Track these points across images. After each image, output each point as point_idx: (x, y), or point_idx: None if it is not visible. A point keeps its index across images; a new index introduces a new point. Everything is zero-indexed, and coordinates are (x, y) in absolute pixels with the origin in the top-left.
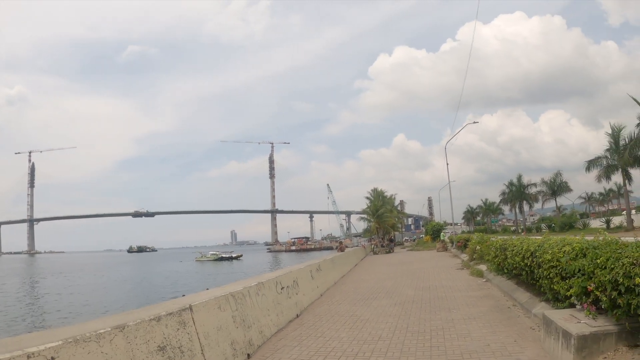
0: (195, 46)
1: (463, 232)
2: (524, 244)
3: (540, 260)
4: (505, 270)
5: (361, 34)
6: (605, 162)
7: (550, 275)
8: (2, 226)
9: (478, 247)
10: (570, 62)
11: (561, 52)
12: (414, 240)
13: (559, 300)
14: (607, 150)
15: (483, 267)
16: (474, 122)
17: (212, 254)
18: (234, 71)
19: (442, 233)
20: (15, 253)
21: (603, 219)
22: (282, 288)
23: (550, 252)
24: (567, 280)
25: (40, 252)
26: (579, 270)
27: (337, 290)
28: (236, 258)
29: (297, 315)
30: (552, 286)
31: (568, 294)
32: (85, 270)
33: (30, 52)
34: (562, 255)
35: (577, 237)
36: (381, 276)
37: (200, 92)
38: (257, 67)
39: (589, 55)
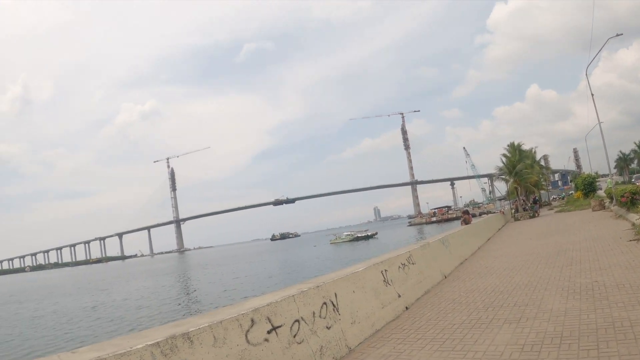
0: (308, 32)
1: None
2: None
3: None
4: None
5: None
6: None
7: None
8: (151, 229)
9: None
10: None
11: None
12: (563, 198)
13: None
14: None
15: None
16: (617, 35)
17: (347, 235)
18: (350, 49)
19: (608, 180)
20: (166, 252)
21: None
22: (272, 330)
23: None
24: None
25: (189, 249)
26: None
27: (436, 298)
28: (372, 236)
29: None
30: None
31: None
32: (213, 265)
33: (152, 68)
34: None
35: None
36: (513, 261)
37: (321, 76)
38: (372, 40)
39: None
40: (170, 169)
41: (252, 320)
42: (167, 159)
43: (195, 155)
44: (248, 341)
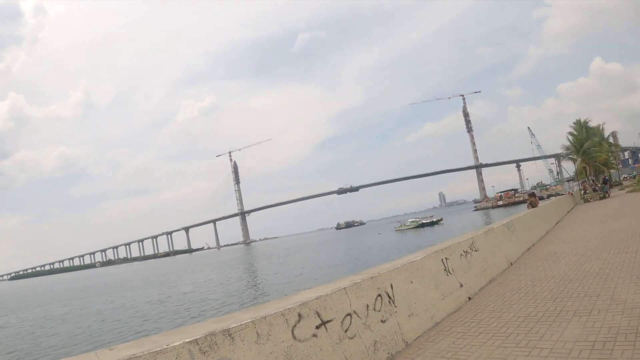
0: (361, 19)
1: None
2: None
3: None
4: None
5: None
6: None
7: None
8: (217, 222)
9: None
10: None
11: None
12: (634, 177)
13: None
14: None
15: None
16: None
17: (412, 222)
18: (405, 32)
19: None
20: (232, 244)
21: None
22: (321, 325)
23: None
24: None
25: (255, 241)
26: None
27: (500, 287)
28: (437, 223)
29: None
30: None
31: None
32: (278, 255)
33: (208, 64)
34: None
35: None
36: (583, 247)
37: (378, 61)
38: (427, 22)
39: None
40: (232, 162)
41: (299, 315)
42: (229, 152)
43: (257, 147)
44: (294, 337)
